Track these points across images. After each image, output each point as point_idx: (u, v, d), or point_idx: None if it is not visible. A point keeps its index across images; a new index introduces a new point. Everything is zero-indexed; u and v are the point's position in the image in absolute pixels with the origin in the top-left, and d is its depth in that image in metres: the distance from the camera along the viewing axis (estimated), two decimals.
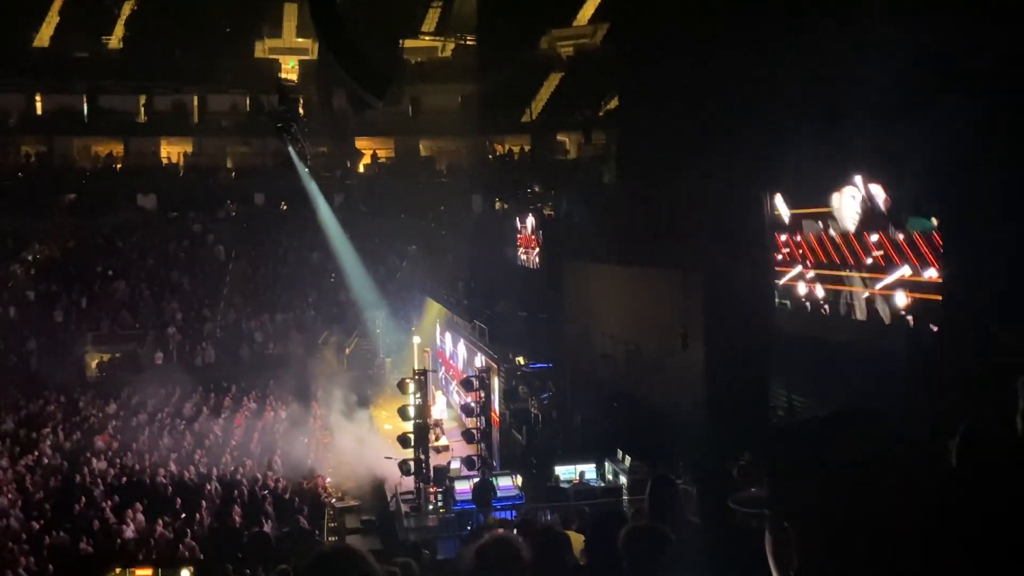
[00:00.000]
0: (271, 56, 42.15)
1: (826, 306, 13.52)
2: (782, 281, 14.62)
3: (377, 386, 29.56)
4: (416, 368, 20.20)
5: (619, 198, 26.20)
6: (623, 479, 16.54)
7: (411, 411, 18.90)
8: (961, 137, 10.19)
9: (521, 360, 22.27)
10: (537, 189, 36.99)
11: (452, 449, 21.37)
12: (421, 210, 39.81)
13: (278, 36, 42.58)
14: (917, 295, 11.46)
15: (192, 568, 13.72)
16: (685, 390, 15.86)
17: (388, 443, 20.74)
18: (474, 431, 19.65)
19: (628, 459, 16.81)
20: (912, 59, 11.09)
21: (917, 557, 1.34)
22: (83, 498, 17.62)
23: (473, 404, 19.96)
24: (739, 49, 15.47)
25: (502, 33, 37.81)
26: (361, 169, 43.45)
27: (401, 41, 41.51)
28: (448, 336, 28.92)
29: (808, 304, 13.98)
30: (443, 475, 18.20)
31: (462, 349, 26.32)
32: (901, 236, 11.65)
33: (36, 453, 21.27)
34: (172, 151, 43.82)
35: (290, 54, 42.12)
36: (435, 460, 19.19)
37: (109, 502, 17.44)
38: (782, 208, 14.61)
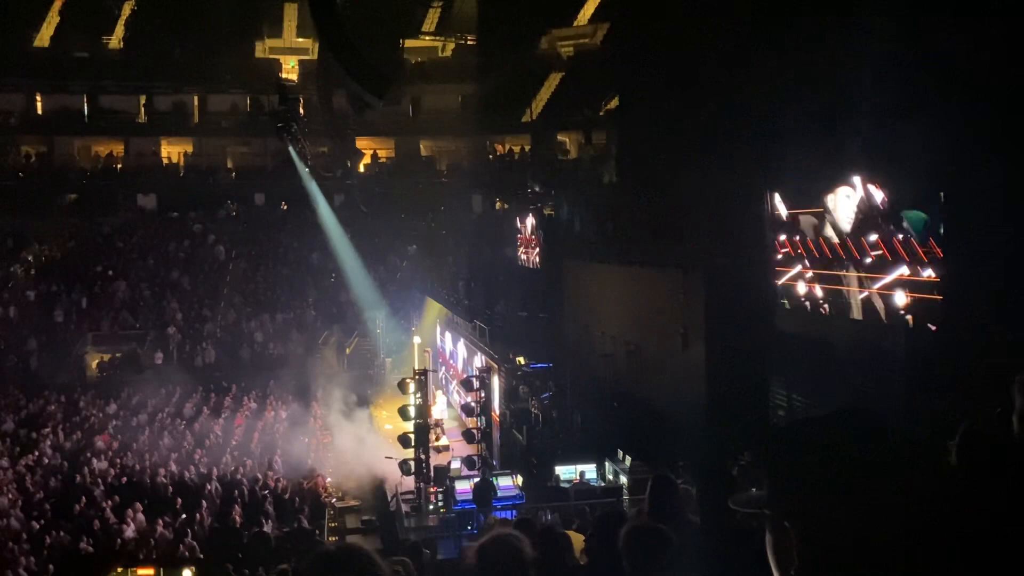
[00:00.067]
0: (271, 56, 42.12)
1: (825, 305, 13.54)
2: (782, 281, 14.64)
3: (377, 386, 29.56)
4: (416, 368, 20.22)
5: (619, 198, 26.20)
6: (623, 479, 16.55)
7: (411, 411, 18.91)
8: (960, 137, 10.21)
9: (521, 360, 22.28)
10: (537, 189, 36.99)
11: (452, 449, 21.38)
12: (421, 210, 39.81)
13: (278, 36, 42.57)
14: (916, 295, 11.47)
15: (193, 568, 13.74)
16: (685, 390, 15.86)
17: (388, 443, 20.74)
18: (474, 431, 19.66)
19: (628, 459, 16.81)
20: (911, 59, 11.10)
21: (917, 557, 1.35)
22: (83, 498, 17.63)
23: (473, 404, 19.97)
24: (739, 49, 15.49)
25: (502, 33, 37.80)
26: (361, 169, 43.42)
27: (401, 41, 41.49)
28: (448, 336, 28.92)
29: (808, 304, 13.99)
30: (443, 475, 18.22)
31: (462, 349, 26.32)
32: (899, 236, 11.66)
33: (36, 453, 21.27)
34: (172, 151, 43.81)
35: (290, 54, 42.10)
36: (435, 460, 19.21)
37: (109, 502, 17.44)
38: (781, 208, 14.62)
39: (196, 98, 43.36)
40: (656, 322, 17.73)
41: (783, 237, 14.58)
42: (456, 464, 18.87)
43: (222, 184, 42.32)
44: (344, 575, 1.89)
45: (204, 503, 17.46)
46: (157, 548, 15.50)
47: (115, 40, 41.82)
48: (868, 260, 12.35)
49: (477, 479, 16.79)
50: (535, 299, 24.73)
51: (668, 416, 16.23)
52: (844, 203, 12.74)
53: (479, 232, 33.97)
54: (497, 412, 20.72)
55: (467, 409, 20.79)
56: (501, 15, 37.19)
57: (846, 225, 12.74)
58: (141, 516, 16.69)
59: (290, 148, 25.43)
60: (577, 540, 5.64)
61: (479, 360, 22.91)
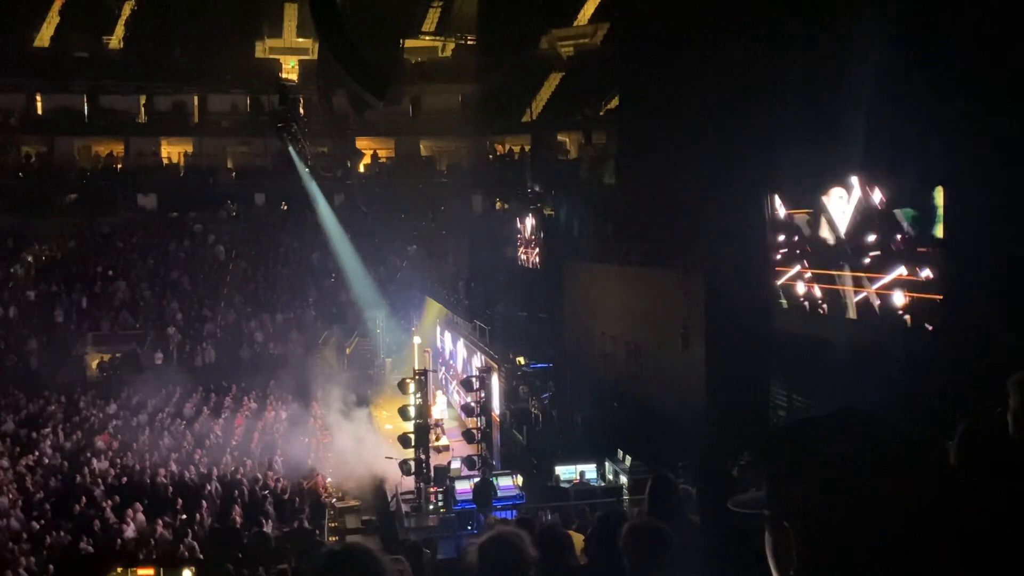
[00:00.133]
0: (271, 56, 42.13)
1: (824, 305, 13.55)
2: (781, 281, 14.64)
3: (377, 386, 29.56)
4: (416, 368, 20.22)
5: (619, 198, 26.20)
6: (623, 479, 16.55)
7: (411, 411, 18.92)
8: (960, 137, 10.21)
9: (521, 360, 22.30)
10: (537, 189, 36.98)
11: (452, 449, 21.38)
12: (421, 210, 39.82)
13: (278, 36, 42.56)
14: (914, 295, 11.48)
15: (193, 568, 13.74)
16: (685, 390, 15.87)
17: (388, 443, 20.74)
18: (474, 431, 19.65)
19: (628, 459, 16.81)
20: (911, 59, 11.10)
21: (916, 557, 1.35)
22: (83, 498, 17.62)
23: (473, 404, 19.97)
24: (739, 49, 15.48)
25: (502, 33, 37.79)
26: (361, 169, 43.43)
27: (401, 41, 41.49)
28: (448, 336, 28.92)
29: (807, 303, 14.00)
30: (443, 475, 18.22)
31: (462, 349, 26.32)
32: (897, 236, 11.67)
33: (36, 453, 21.26)
34: (172, 151, 43.82)
35: (290, 54, 42.11)
36: (435, 460, 19.21)
37: (109, 502, 17.43)
38: (780, 208, 14.64)
39: (196, 98, 43.36)
40: (656, 322, 17.73)
41: (782, 237, 14.59)
42: (456, 464, 18.87)
43: (222, 184, 42.31)
44: (347, 574, 1.90)
45: (204, 503, 17.45)
46: (157, 548, 15.49)
47: (115, 40, 41.81)
48: (866, 260, 12.36)
49: (477, 479, 16.79)
50: (535, 299, 24.74)
51: (668, 416, 16.23)
52: (837, 203, 12.78)
53: (479, 232, 33.96)
54: (497, 412, 20.72)
55: (467, 409, 20.78)
56: (501, 15, 37.18)
57: (841, 225, 12.77)
58: (141, 516, 16.68)
59: (290, 148, 25.45)
60: (577, 540, 5.64)
61: (479, 360, 22.92)
